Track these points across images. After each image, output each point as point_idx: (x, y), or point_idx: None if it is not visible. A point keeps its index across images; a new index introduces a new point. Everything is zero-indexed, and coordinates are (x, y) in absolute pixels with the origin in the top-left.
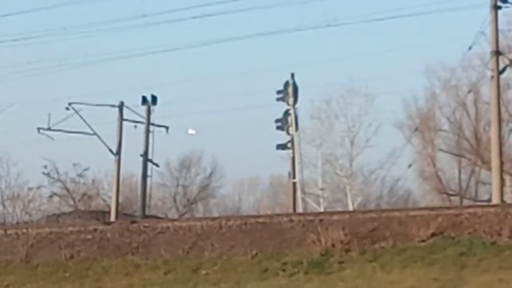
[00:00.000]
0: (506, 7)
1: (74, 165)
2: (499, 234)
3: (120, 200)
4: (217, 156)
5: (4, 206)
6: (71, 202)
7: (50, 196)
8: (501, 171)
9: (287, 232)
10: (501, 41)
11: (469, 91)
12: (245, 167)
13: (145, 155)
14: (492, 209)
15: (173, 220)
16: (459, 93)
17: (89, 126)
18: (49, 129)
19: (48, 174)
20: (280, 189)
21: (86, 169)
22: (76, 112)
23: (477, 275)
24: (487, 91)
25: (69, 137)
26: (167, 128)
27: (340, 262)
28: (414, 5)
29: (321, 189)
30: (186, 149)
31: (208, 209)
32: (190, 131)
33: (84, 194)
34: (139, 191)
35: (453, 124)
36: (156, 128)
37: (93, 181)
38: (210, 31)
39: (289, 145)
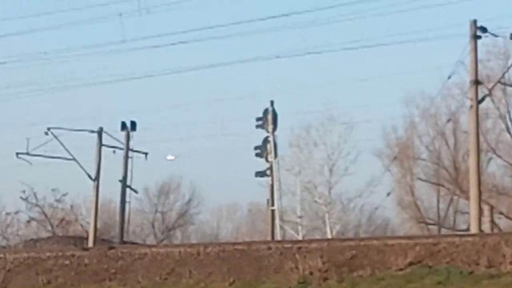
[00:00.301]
0: (486, 36)
1: (53, 190)
2: (477, 264)
3: (98, 225)
4: (195, 182)
5: None
6: (49, 227)
7: (28, 221)
8: (480, 200)
9: (265, 259)
10: (480, 71)
11: (448, 120)
12: (224, 194)
13: (124, 181)
14: (470, 239)
15: (151, 246)
16: (438, 122)
17: (68, 151)
18: (27, 153)
19: (26, 199)
20: (258, 216)
21: (65, 195)
22: (55, 137)
23: None
24: (466, 120)
25: (47, 162)
26: (146, 154)
27: None
28: (394, 33)
29: (300, 216)
30: (165, 175)
31: (186, 235)
32: (169, 157)
33: (62, 219)
34: (117, 217)
35: (432, 153)
36: (135, 154)
37: (72, 206)
38: (189, 57)
39: (268, 172)
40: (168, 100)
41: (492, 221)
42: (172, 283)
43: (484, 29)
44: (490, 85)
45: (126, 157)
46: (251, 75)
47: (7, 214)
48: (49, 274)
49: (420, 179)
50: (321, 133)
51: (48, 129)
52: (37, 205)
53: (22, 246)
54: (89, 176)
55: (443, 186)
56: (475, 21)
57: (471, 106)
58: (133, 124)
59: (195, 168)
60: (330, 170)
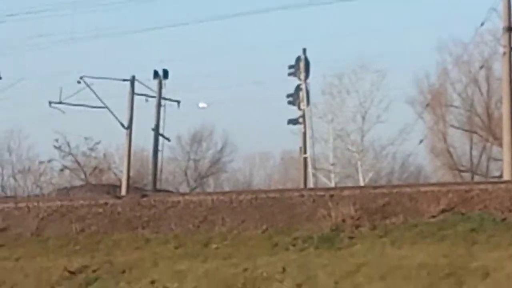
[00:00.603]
0: None
1: (86, 139)
2: (510, 211)
3: (131, 174)
4: (228, 130)
5: (15, 179)
6: (82, 176)
7: (61, 170)
8: None
9: (298, 207)
10: None
11: (481, 67)
12: (256, 142)
13: (156, 129)
14: (503, 186)
15: (183, 194)
16: (471, 69)
17: (100, 100)
18: (60, 102)
19: (59, 148)
20: (291, 164)
21: (97, 143)
22: (88, 85)
23: (487, 251)
24: (499, 67)
25: (80, 111)
26: (178, 102)
27: (351, 238)
28: None
29: (332, 164)
30: (197, 123)
31: (219, 183)
32: (201, 105)
33: (95, 168)
34: (150, 165)
35: (465, 100)
36: (168, 103)
37: (104, 155)
38: (222, 5)
39: (301, 120)
40: (200, 49)
41: None
42: (205, 230)
43: None
44: None
45: (159, 105)
46: (284, 23)
47: (41, 162)
48: (83, 222)
49: (453, 126)
50: (353, 80)
51: (81, 77)
52: (70, 154)
53: (55, 194)
54: (122, 125)
55: (476, 133)
56: None
57: (504, 53)
58: (165, 72)
59: (228, 116)
60: (363, 118)
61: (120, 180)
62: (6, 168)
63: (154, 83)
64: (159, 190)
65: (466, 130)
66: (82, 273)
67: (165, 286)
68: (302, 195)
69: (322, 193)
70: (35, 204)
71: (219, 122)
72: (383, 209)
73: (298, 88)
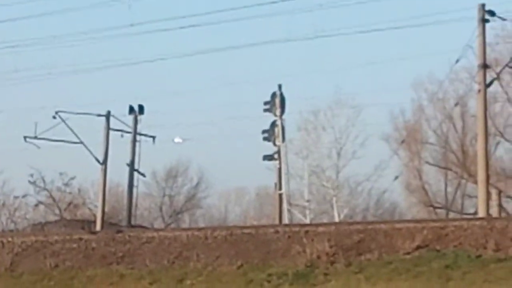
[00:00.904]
0: (494, 20)
1: (61, 174)
2: (485, 248)
3: (106, 209)
4: (203, 166)
5: None
6: (57, 211)
7: (36, 205)
8: (487, 184)
9: (273, 243)
10: (488, 54)
11: (456, 104)
12: (232, 178)
13: (131, 164)
14: (477, 222)
15: (158, 230)
16: (446, 106)
17: (75, 135)
18: (35, 137)
19: (34, 183)
20: (266, 200)
21: (72, 178)
22: (63, 120)
23: None
24: (474, 104)
25: (55, 146)
26: (153, 138)
27: (326, 274)
28: (402, 18)
29: (307, 200)
30: (173, 159)
31: (194, 219)
32: (177, 140)
33: (70, 203)
34: (125, 201)
35: (440, 137)
36: (143, 138)
37: (79, 190)
38: (197, 41)
39: (276, 156)
40: (175, 84)
41: (500, 205)
42: (180, 266)
43: (492, 13)
44: (498, 69)
45: (134, 141)
46: (259, 59)
47: (15, 197)
48: (57, 258)
49: (428, 163)
50: (329, 116)
51: (56, 112)
52: (45, 189)
53: (30, 229)
54: (97, 160)
55: (451, 170)
56: (483, 5)
57: (479, 90)
58: (141, 108)
59: (203, 152)
60: (338, 154)
61: (95, 216)
62: None
63: (130, 119)
64: (134, 226)
65: (441, 167)
66: None
67: None
68: (277, 231)
69: (297, 229)
70: (10, 239)
71: (194, 157)
72: (358, 245)
73: (273, 124)
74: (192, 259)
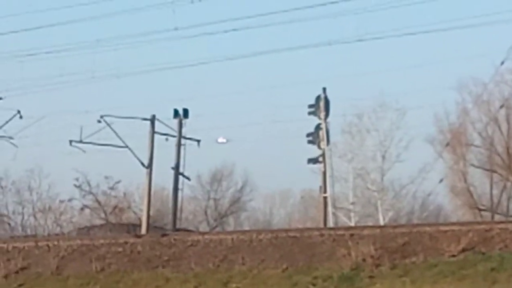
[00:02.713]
0: None
1: (106, 177)
2: None
3: (151, 213)
4: (248, 169)
5: (35, 218)
6: (102, 215)
7: (82, 209)
8: None
9: (318, 246)
10: None
11: (501, 106)
12: (276, 181)
13: (176, 168)
14: None
15: (203, 233)
16: (491, 108)
17: (120, 139)
18: (81, 141)
19: (79, 187)
20: (311, 203)
21: (118, 182)
22: (108, 125)
23: None
24: None
25: (101, 150)
26: (198, 141)
27: (371, 277)
28: (447, 20)
29: (352, 203)
30: (218, 162)
31: (239, 222)
32: (220, 140)
33: (115, 206)
34: (170, 204)
35: (485, 139)
36: (188, 141)
37: (125, 194)
38: (241, 44)
39: (320, 159)
40: (220, 87)
41: None
42: (225, 270)
43: None
44: None
45: (179, 145)
46: (304, 62)
47: (61, 201)
48: (103, 261)
49: (473, 165)
50: (373, 119)
51: (101, 116)
52: (90, 193)
53: (75, 233)
54: (142, 164)
55: (496, 172)
56: None
57: None
58: (186, 112)
59: (248, 155)
60: (383, 157)
61: (140, 219)
62: (27, 207)
63: (175, 122)
64: (179, 229)
65: (486, 169)
66: None
67: None
68: (322, 234)
69: (342, 232)
70: (55, 243)
71: (239, 161)
72: (403, 248)
73: (318, 127)
74: (237, 262)
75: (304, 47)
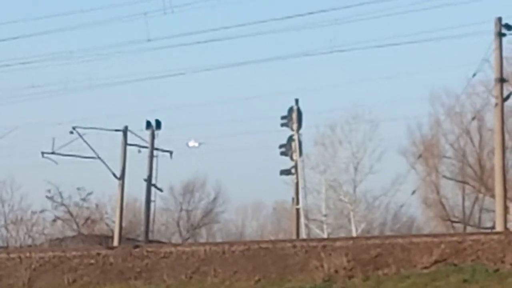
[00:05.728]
0: (511, 34)
1: (78, 189)
2: (502, 262)
3: (123, 224)
4: (221, 181)
5: (7, 229)
6: (75, 226)
7: (54, 220)
8: (505, 198)
9: (290, 258)
10: (505, 68)
11: (473, 118)
12: (249, 193)
13: (149, 179)
14: (495, 237)
15: (176, 245)
16: (463, 120)
17: (93, 150)
18: (53, 153)
19: (51, 198)
20: (283, 215)
21: (90, 193)
22: (80, 136)
23: None
24: (491, 118)
25: (73, 161)
26: (171, 152)
27: None
28: (419, 31)
29: (325, 215)
30: (190, 173)
31: (211, 234)
32: (192, 143)
33: (88, 218)
34: (142, 216)
35: (457, 151)
36: (160, 153)
37: (97, 205)
38: (214, 56)
39: (293, 170)
40: (193, 99)
41: None
42: (197, 281)
43: (509, 27)
44: None
45: (151, 156)
46: (276, 74)
47: (33, 213)
48: (75, 273)
49: (445, 177)
50: (346, 131)
51: (73, 128)
52: (62, 204)
53: (47, 245)
54: (114, 175)
55: (468, 184)
56: (500, 19)
57: (496, 104)
58: (158, 123)
59: (220, 166)
60: (355, 168)
61: (112, 231)
62: None
63: (147, 134)
64: (152, 241)
65: (458, 181)
66: None
67: None
68: (295, 246)
69: (314, 244)
70: (27, 254)
71: (211, 172)
72: (376, 260)
73: (290, 139)
74: (209, 274)
75: (278, 59)
